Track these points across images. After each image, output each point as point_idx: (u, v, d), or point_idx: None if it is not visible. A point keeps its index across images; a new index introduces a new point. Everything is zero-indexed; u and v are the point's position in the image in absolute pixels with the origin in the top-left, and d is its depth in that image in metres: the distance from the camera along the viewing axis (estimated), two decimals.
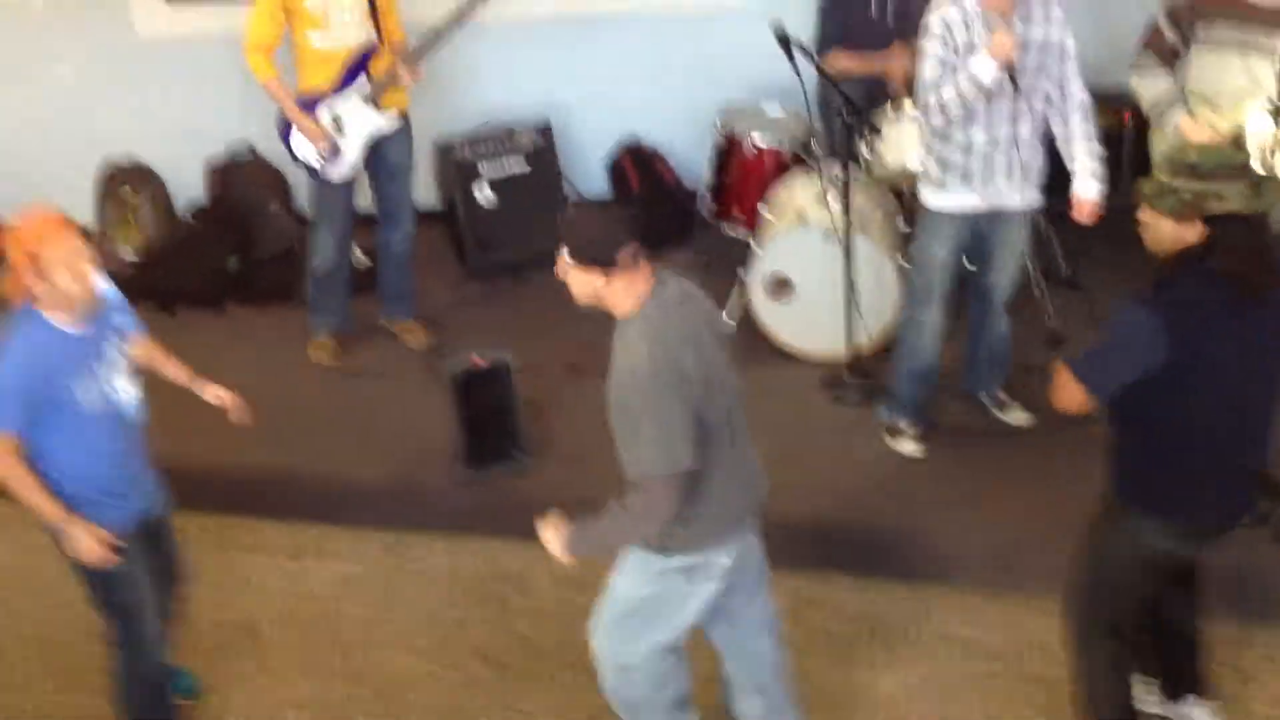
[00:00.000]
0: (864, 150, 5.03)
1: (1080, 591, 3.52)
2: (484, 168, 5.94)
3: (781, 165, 5.54)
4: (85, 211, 6.22)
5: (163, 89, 6.15)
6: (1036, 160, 4.35)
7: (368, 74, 4.93)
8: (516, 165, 5.99)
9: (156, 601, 3.64)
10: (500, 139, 5.96)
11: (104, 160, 6.25)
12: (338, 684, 4.15)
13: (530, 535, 4.63)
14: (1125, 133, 5.78)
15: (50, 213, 3.30)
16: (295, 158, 5.02)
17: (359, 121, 4.95)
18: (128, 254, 6.13)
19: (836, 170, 4.86)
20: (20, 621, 4.46)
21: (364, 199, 5.28)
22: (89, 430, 3.36)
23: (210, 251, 5.96)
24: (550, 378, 5.20)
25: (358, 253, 5.82)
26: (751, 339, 5.24)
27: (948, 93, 4.15)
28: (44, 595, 4.55)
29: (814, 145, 5.35)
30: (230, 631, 4.35)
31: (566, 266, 3.15)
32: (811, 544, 4.50)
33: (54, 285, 3.23)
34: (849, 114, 4.73)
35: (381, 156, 5.09)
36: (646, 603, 3.36)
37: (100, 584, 3.51)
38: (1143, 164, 5.81)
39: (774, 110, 5.73)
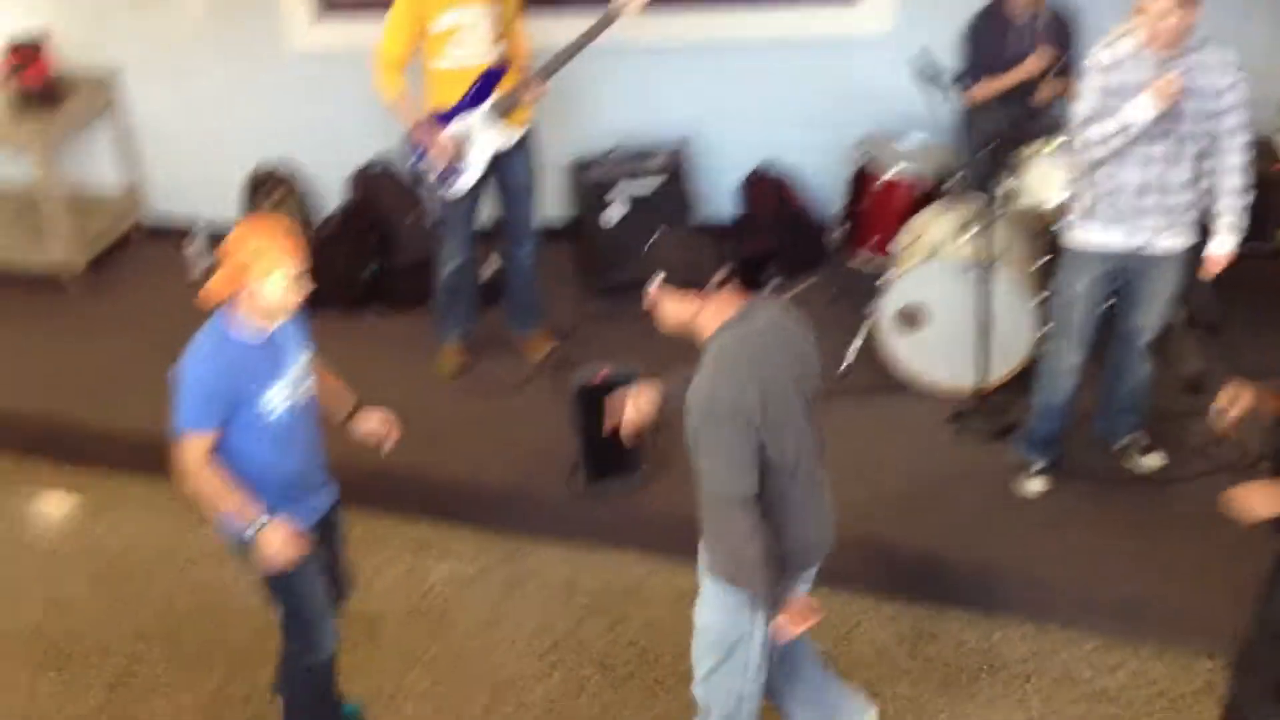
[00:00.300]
0: (1006, 184, 4.99)
1: (1252, 650, 3.42)
2: (616, 188, 6.01)
3: (917, 197, 5.51)
4: (231, 212, 6.44)
5: (311, 98, 6.34)
6: (1189, 205, 4.25)
7: (494, 93, 5.02)
8: (648, 186, 6.03)
9: (328, 599, 3.71)
10: (634, 159, 6.02)
11: (252, 164, 6.45)
12: (454, 681, 4.21)
13: (648, 548, 4.71)
14: (1276, 179, 5.63)
15: (273, 221, 3.38)
16: (419, 173, 5.13)
17: (483, 139, 5.05)
18: None
19: (977, 203, 4.84)
20: (152, 598, 4.61)
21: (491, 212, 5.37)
22: (274, 432, 3.44)
23: (349, 258, 6.10)
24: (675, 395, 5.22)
25: (489, 264, 5.94)
26: (877, 370, 5.22)
27: (1101, 130, 4.10)
28: (178, 574, 4.71)
29: (955, 178, 5.33)
30: (352, 622, 4.43)
31: (658, 293, 3.18)
32: (932, 578, 4.46)
33: (262, 292, 3.30)
34: (993, 147, 4.70)
35: (504, 174, 5.18)
36: (734, 635, 3.37)
37: (278, 581, 3.58)
38: None
39: (913, 141, 5.71)
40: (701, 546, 3.38)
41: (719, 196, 6.30)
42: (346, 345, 5.70)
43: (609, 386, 4.72)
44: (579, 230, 6.18)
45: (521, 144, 5.15)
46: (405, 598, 4.57)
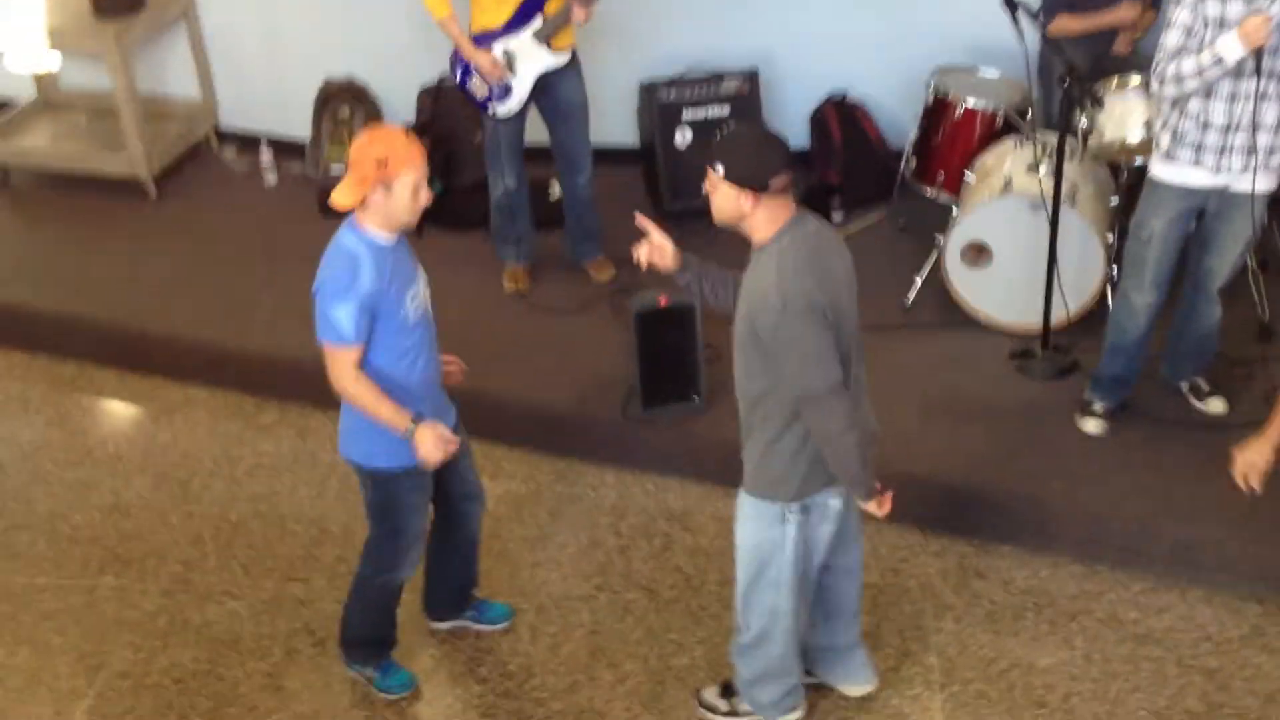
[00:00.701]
0: (1083, 121, 4.86)
1: None
2: (687, 112, 5.95)
3: (992, 130, 5.38)
4: (303, 126, 6.48)
5: (382, 14, 6.31)
6: (1276, 146, 4.11)
7: (542, 13, 4.97)
8: (719, 111, 5.97)
9: (425, 529, 3.78)
10: (706, 84, 5.94)
11: (322, 79, 6.47)
12: (502, 597, 4.26)
13: (698, 475, 4.73)
14: None
15: (400, 129, 3.37)
16: (467, 94, 5.11)
17: (530, 60, 5.00)
18: (338, 168, 6.35)
19: (1051, 139, 4.72)
20: (208, 506, 4.71)
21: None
22: (410, 342, 3.47)
23: None
24: (731, 324, 5.20)
25: (554, 187, 5.92)
26: (942, 305, 5.15)
27: (1188, 65, 3.96)
28: (233, 484, 4.81)
29: (1030, 112, 5.20)
30: None
31: (716, 182, 3.14)
32: (983, 514, 4.43)
33: (393, 198, 3.31)
34: (1071, 82, 4.57)
35: (553, 97, 5.13)
36: (769, 546, 3.40)
37: (392, 514, 3.66)
38: None
39: (990, 73, 5.58)
40: (745, 460, 3.40)
41: (790, 124, 6.19)
42: None
43: (669, 313, 4.72)
44: (647, 154, 6.14)
45: (570, 66, 5.09)
46: None
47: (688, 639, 4.12)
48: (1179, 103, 4.09)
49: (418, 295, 3.50)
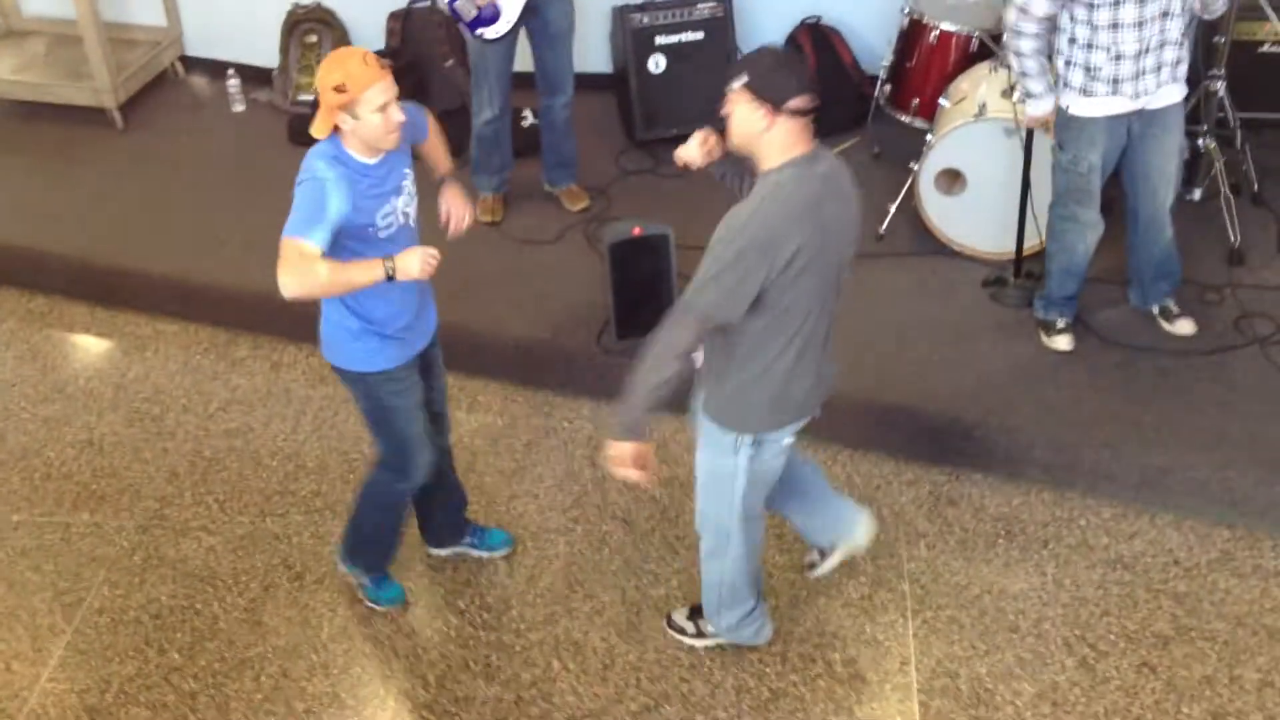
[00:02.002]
0: (1057, 46, 4.82)
1: None
2: (660, 37, 5.87)
3: (967, 55, 5.35)
4: (270, 53, 6.38)
5: None
6: (1184, 54, 4.18)
7: None
8: (693, 36, 5.90)
9: (426, 433, 3.78)
10: (679, 8, 5.86)
11: (291, 3, 6.36)
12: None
13: (673, 406, 4.72)
14: None
15: (358, 51, 3.30)
16: (456, 16, 5.02)
17: None
18: (306, 96, 6.27)
19: None
20: (181, 441, 4.70)
21: (527, 62, 5.27)
22: (382, 253, 3.39)
23: None
24: None
25: (527, 114, 5.86)
26: (916, 233, 5.15)
27: (1027, 62, 4.25)
28: (207, 419, 4.80)
29: (1005, 36, 5.15)
30: None
31: (735, 97, 3.06)
32: (956, 441, 4.45)
33: (361, 122, 3.26)
34: None
35: (542, 19, 5.05)
36: (721, 473, 3.43)
37: (386, 419, 3.68)
38: None
39: None
40: (700, 384, 3.40)
41: None
42: None
43: (643, 243, 4.70)
44: (619, 81, 6.07)
45: None
46: None
47: (664, 569, 4.15)
48: (1088, 39, 4.13)
49: (394, 211, 3.45)
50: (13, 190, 5.86)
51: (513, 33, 5.01)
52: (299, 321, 5.07)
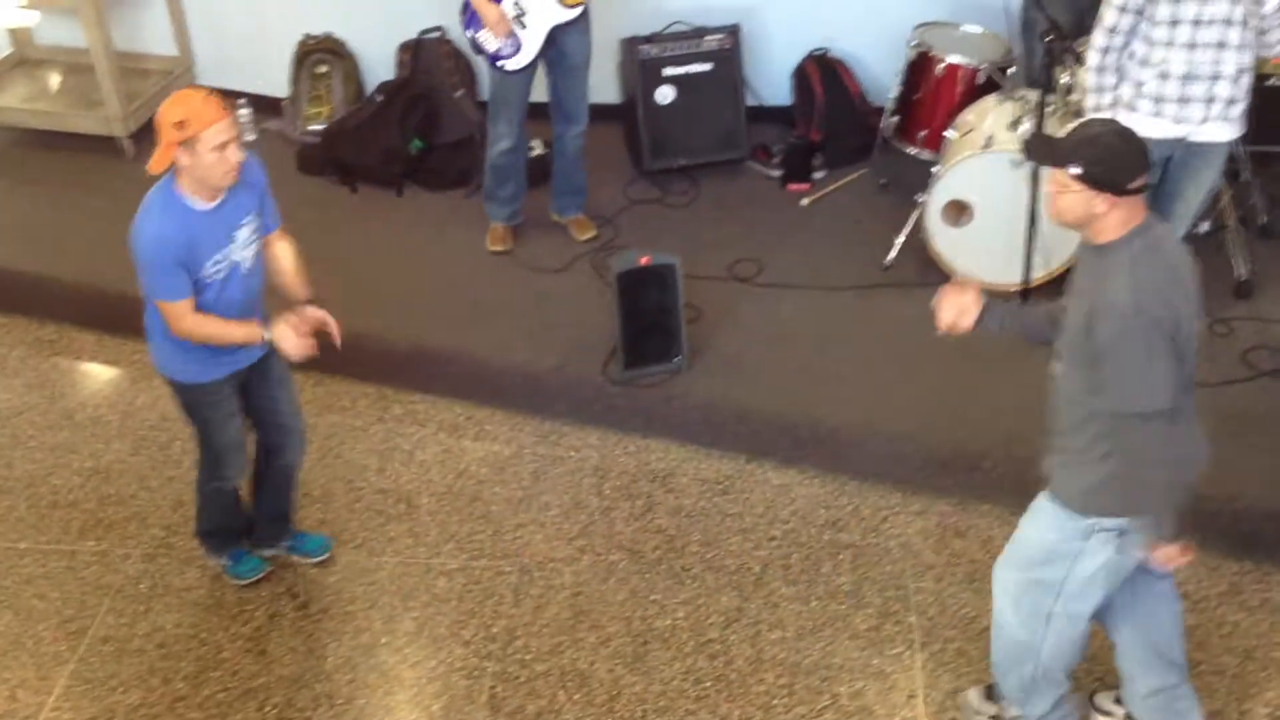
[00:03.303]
0: (1064, 78, 4.84)
1: None
2: (668, 68, 5.90)
3: (974, 87, 5.36)
4: (281, 83, 6.41)
5: None
6: (1239, 95, 4.15)
7: None
8: (701, 67, 5.92)
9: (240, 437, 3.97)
10: (688, 40, 5.89)
11: (302, 34, 6.40)
12: (485, 559, 4.28)
13: (680, 437, 4.74)
14: None
15: (201, 91, 3.40)
16: (476, 47, 5.05)
17: (541, 13, 4.95)
18: (316, 125, 6.29)
19: (1033, 96, 4.71)
20: (188, 469, 4.69)
21: (541, 91, 5.30)
22: (208, 296, 3.57)
23: (394, 131, 6.06)
24: (713, 283, 5.21)
25: (535, 144, 5.88)
26: (922, 263, 5.15)
27: (1101, 80, 4.22)
28: None
29: (1012, 69, 5.18)
30: (389, 499, 4.53)
31: (1067, 181, 2.91)
32: (963, 472, 4.44)
33: (198, 158, 3.35)
34: (1054, 39, 4.55)
35: (561, 51, 5.08)
36: (1060, 553, 3.21)
37: (195, 421, 3.89)
38: None
39: (972, 30, 5.54)
40: (1050, 464, 3.22)
41: (772, 81, 6.18)
42: (389, 221, 5.77)
43: (651, 273, 4.71)
44: (627, 111, 6.10)
45: (581, 20, 5.03)
46: (440, 477, 4.63)
47: (670, 600, 4.14)
48: (1142, 55, 4.14)
49: (225, 259, 3.57)
50: (23, 218, 5.89)
51: (533, 64, 5.04)
52: None
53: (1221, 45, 4.05)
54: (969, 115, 5.16)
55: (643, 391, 4.77)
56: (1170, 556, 3.11)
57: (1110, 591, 3.26)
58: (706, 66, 5.90)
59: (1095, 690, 3.75)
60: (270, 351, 3.80)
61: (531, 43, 4.97)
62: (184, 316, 3.53)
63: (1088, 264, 3.02)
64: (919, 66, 5.47)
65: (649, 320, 4.74)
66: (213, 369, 3.75)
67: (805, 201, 5.74)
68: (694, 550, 4.31)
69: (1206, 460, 3.16)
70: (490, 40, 4.96)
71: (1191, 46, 4.06)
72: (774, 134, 6.08)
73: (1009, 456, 4.39)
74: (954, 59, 5.34)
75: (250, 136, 6.39)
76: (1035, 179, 4.65)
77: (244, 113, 6.37)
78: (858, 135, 5.94)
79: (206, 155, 3.35)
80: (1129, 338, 2.86)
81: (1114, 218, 2.92)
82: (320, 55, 6.41)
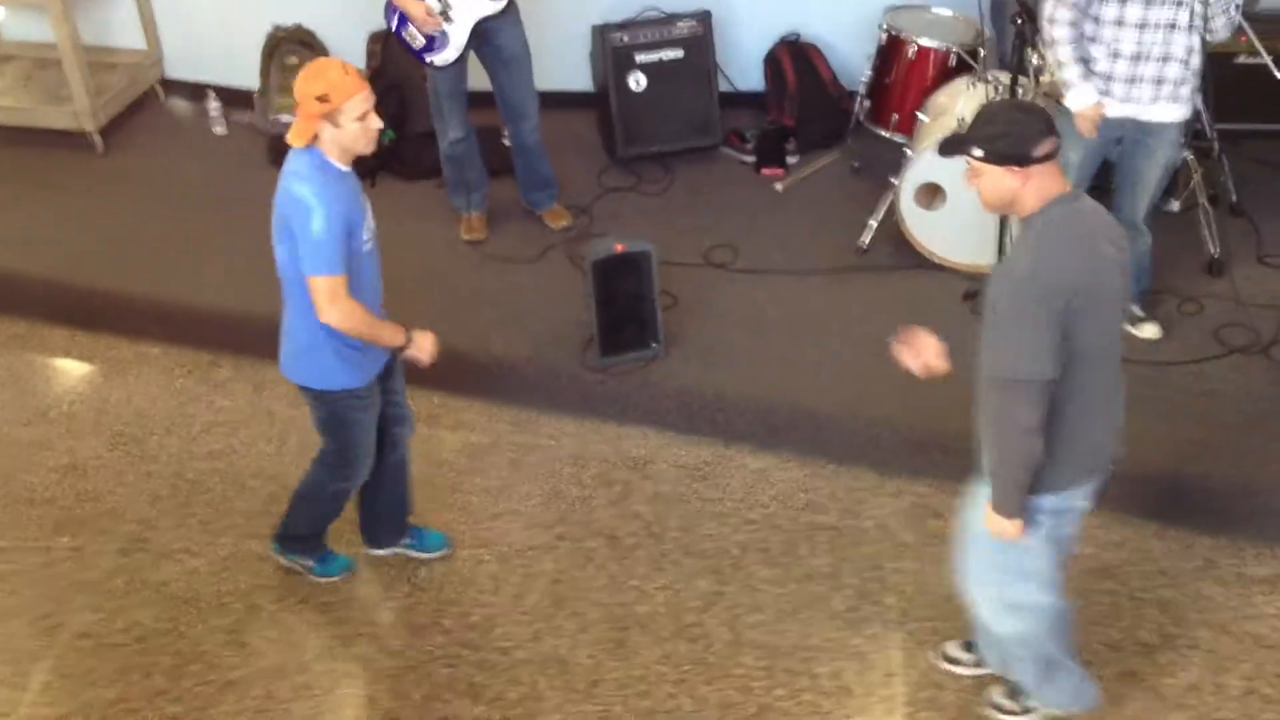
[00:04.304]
0: (1034, 60, 4.86)
1: None
2: (640, 55, 5.89)
3: (945, 70, 5.38)
4: (251, 75, 6.38)
5: None
6: (1189, 75, 4.20)
7: None
8: (673, 54, 5.92)
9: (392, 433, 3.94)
10: (659, 26, 5.89)
11: (271, 25, 6.36)
12: (464, 548, 4.28)
13: (656, 423, 4.74)
14: None
15: (337, 61, 3.39)
16: (403, 42, 5.03)
17: (466, 7, 4.93)
18: (287, 117, 6.27)
19: (1004, 78, 4.72)
20: (164, 464, 4.69)
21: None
22: (367, 269, 3.56)
23: None
24: (689, 270, 5.21)
25: (505, 135, 5.88)
26: (896, 246, 5.17)
27: (1063, 53, 4.18)
28: (189, 441, 4.78)
29: (982, 52, 5.19)
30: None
31: (977, 167, 2.93)
32: (938, 454, 4.46)
33: (342, 130, 3.35)
34: (1024, 21, 4.56)
35: (492, 45, 5.05)
36: (1010, 548, 3.23)
37: (341, 431, 3.78)
38: None
39: (943, 13, 5.56)
40: (981, 446, 3.21)
41: (743, 67, 6.18)
42: None
43: (626, 260, 4.71)
44: (600, 99, 6.09)
45: (507, 13, 4.99)
46: (418, 467, 4.57)
47: (649, 586, 4.15)
48: (1091, 33, 4.17)
49: (370, 225, 3.57)
50: None
51: (462, 58, 5.03)
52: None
53: (1172, 26, 4.10)
54: (941, 98, 5.17)
55: (619, 379, 4.77)
56: (1001, 528, 3.12)
57: (1056, 560, 3.30)
58: (678, 53, 5.90)
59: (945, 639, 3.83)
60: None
61: (457, 36, 4.96)
62: (343, 295, 3.44)
63: (1015, 239, 3.05)
64: (890, 50, 5.48)
65: (625, 307, 4.74)
66: (366, 370, 3.69)
67: (779, 186, 5.75)
68: (672, 535, 4.32)
69: (1114, 443, 3.21)
70: (416, 37, 4.95)
71: (1142, 26, 4.10)
72: (747, 119, 6.09)
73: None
74: (925, 42, 5.35)
75: (220, 129, 6.36)
76: None
77: (213, 105, 6.33)
78: (830, 119, 5.95)
79: (350, 126, 3.35)
80: (1018, 302, 2.89)
81: (1031, 190, 2.92)
82: (290, 46, 6.37)
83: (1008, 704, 3.68)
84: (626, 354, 4.79)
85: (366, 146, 3.44)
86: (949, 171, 4.94)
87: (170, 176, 6.04)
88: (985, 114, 3.00)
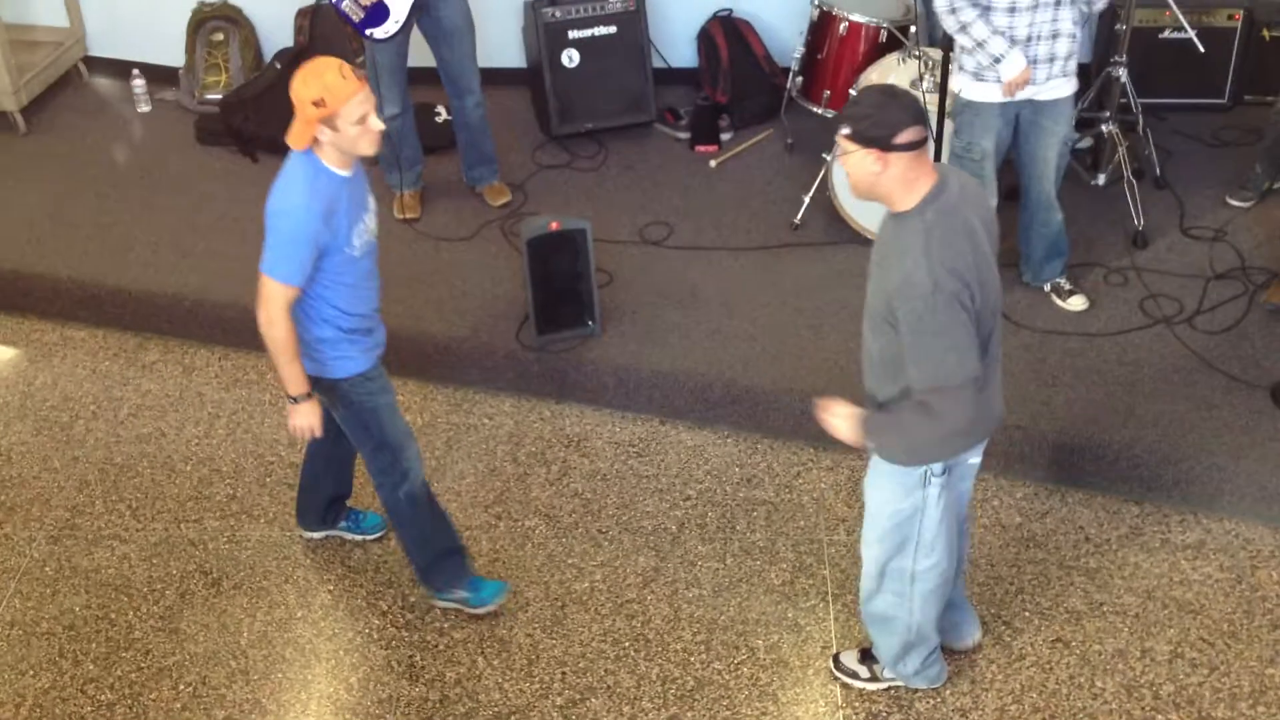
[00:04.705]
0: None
1: None
2: (573, 31, 5.86)
3: (876, 46, 5.41)
4: (176, 52, 6.27)
5: None
6: (1075, 50, 4.28)
7: None
8: (605, 30, 5.89)
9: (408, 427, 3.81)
10: (592, 2, 5.85)
11: (194, 3, 6.26)
12: None
13: (593, 401, 4.74)
14: (1235, 34, 5.60)
15: (334, 62, 3.28)
16: (344, 18, 4.96)
17: None
18: (214, 95, 6.17)
19: (935, 54, 4.75)
20: (92, 449, 4.62)
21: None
22: (355, 271, 3.47)
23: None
24: (624, 247, 5.21)
25: (440, 110, 5.83)
26: (830, 222, 5.20)
27: (978, 32, 4.21)
28: (118, 425, 4.71)
29: (913, 28, 5.22)
30: (298, 473, 4.47)
31: (845, 146, 2.95)
32: None
33: (342, 136, 3.26)
34: None
35: (433, 18, 5.02)
36: (905, 516, 3.30)
37: (369, 423, 3.68)
38: (1251, 68, 5.67)
39: None
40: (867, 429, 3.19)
41: (676, 43, 6.17)
42: None
43: (562, 238, 4.69)
44: (534, 76, 6.06)
45: None
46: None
47: (588, 563, 4.15)
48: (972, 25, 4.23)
49: (365, 230, 3.49)
50: None
51: (403, 32, 4.98)
52: (211, 324, 5.02)
53: (1058, 3, 4.17)
54: (872, 74, 5.20)
55: (556, 357, 4.76)
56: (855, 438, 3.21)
57: (951, 530, 3.37)
58: (611, 29, 5.87)
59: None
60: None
61: (398, 9, 4.90)
62: (284, 307, 3.36)
63: (887, 233, 3.05)
64: (822, 26, 5.49)
65: (560, 285, 4.73)
66: (372, 352, 3.64)
67: (714, 163, 5.76)
68: (610, 513, 4.32)
69: (999, 420, 3.31)
70: (354, 9, 4.89)
71: (1034, 7, 4.16)
72: (681, 96, 6.08)
73: None
74: (856, 18, 5.37)
75: (145, 108, 6.25)
76: (939, 139, 4.70)
77: (138, 83, 6.22)
78: (764, 96, 5.97)
79: (349, 129, 3.25)
80: (930, 315, 2.90)
81: (895, 178, 2.93)
82: (216, 22, 6.27)
83: (860, 669, 3.76)
84: (563, 332, 4.78)
85: (369, 149, 3.34)
86: None
87: (95, 156, 5.94)
88: (858, 95, 3.05)
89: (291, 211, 3.30)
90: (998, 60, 4.24)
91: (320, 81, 3.23)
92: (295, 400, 3.53)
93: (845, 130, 2.94)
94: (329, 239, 3.35)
